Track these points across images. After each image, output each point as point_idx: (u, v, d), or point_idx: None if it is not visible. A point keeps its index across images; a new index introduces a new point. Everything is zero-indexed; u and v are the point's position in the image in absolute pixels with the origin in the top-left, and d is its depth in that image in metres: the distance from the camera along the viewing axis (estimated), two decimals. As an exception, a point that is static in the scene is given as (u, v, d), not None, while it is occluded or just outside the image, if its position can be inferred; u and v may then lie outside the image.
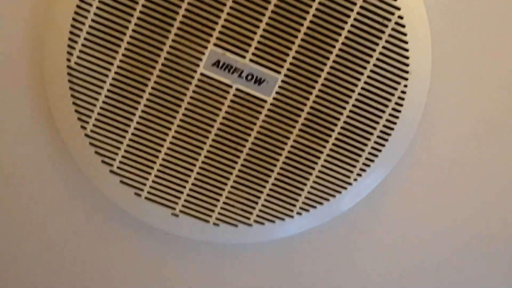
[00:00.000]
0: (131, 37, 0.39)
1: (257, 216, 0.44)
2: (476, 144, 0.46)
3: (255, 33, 0.39)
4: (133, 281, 0.51)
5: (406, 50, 0.40)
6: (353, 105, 0.41)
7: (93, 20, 0.39)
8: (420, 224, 0.50)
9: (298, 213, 0.43)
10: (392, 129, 0.41)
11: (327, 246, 0.49)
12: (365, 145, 0.42)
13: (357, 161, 0.42)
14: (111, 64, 0.40)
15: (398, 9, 0.39)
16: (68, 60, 0.40)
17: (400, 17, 0.39)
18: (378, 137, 0.42)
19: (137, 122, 0.41)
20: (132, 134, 0.41)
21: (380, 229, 0.49)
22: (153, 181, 0.42)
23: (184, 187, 0.43)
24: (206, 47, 0.40)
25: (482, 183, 0.48)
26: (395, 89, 0.41)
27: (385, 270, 0.51)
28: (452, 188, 0.48)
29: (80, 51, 0.40)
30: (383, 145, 0.42)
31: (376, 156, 0.42)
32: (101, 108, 0.41)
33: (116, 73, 0.40)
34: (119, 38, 0.39)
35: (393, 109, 0.41)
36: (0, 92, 0.44)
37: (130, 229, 0.47)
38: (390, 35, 0.40)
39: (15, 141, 0.45)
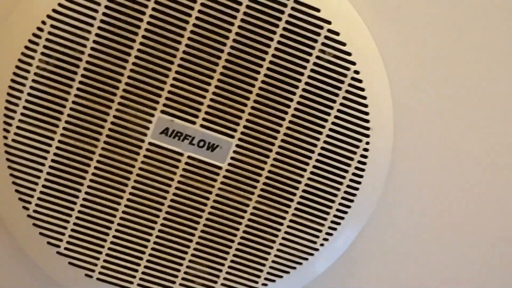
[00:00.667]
0: (71, 109, 0.37)
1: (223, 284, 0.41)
2: (445, 193, 0.44)
3: (204, 97, 0.37)
4: None
5: (365, 105, 0.38)
6: (314, 166, 0.38)
7: (29, 94, 0.36)
8: (397, 272, 0.48)
9: (264, 284, 0.40)
10: (357, 188, 0.39)
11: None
12: (330, 207, 0.39)
13: (322, 224, 0.39)
14: (51, 139, 0.37)
15: (354, 63, 0.37)
16: (5, 137, 0.37)
17: (356, 72, 0.38)
18: (343, 198, 0.39)
19: (84, 199, 0.38)
20: (79, 211, 0.38)
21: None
22: (105, 260, 0.39)
23: (139, 264, 0.39)
24: (152, 115, 0.37)
25: (453, 234, 0.45)
26: (357, 147, 0.38)
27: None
28: (425, 238, 0.46)
29: (17, 127, 0.37)
30: (349, 206, 0.39)
31: (342, 218, 0.39)
32: (43, 186, 0.38)
33: (57, 148, 0.37)
34: (59, 111, 0.37)
35: (356, 167, 0.39)
36: None
37: None
38: (347, 91, 0.38)
39: None
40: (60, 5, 0.35)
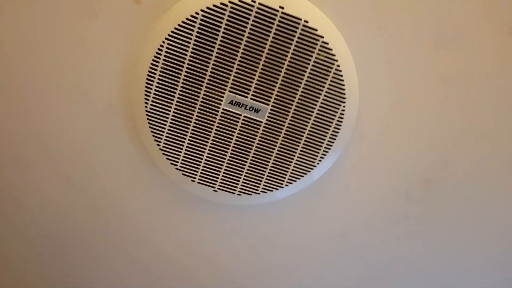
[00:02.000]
0: (181, 88, 0.67)
1: (262, 188, 0.73)
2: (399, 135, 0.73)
3: (252, 82, 0.67)
4: (186, 232, 0.83)
5: (343, 84, 0.66)
6: (314, 120, 0.68)
7: (158, 81, 0.67)
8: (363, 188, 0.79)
9: (286, 184, 0.73)
10: (338, 129, 0.69)
11: (305, 203, 0.79)
12: (323, 140, 0.70)
13: (318, 151, 0.70)
14: (171, 103, 0.68)
15: (336, 60, 0.65)
16: (146, 105, 0.69)
17: (338, 66, 0.66)
18: (330, 138, 0.69)
19: (189, 139, 0.70)
20: (186, 146, 0.71)
21: (337, 192, 0.78)
22: (201, 172, 0.72)
23: (219, 173, 0.72)
24: (224, 92, 0.67)
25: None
26: (338, 108, 0.68)
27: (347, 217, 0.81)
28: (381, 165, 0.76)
29: (153, 98, 0.68)
30: (332, 142, 0.70)
31: (329, 148, 0.70)
32: (168, 129, 0.70)
33: (174, 111, 0.69)
34: (174, 90, 0.68)
35: (338, 120, 0.68)
36: (109, 125, 0.74)
37: (186, 202, 0.79)
38: (333, 77, 0.66)
39: (114, 156, 0.77)
40: (169, 34, 0.64)
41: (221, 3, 0.62)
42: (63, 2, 0.67)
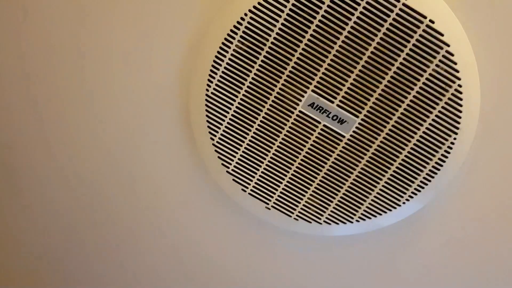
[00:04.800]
0: (254, 75, 0.54)
1: (326, 217, 0.59)
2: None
3: (344, 85, 0.53)
4: (229, 250, 0.70)
5: (460, 111, 0.51)
6: (411, 148, 0.54)
7: (229, 61, 0.54)
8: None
9: (357, 220, 0.58)
10: (438, 170, 0.54)
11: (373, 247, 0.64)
12: (417, 175, 0.55)
13: (408, 187, 0.55)
14: (236, 96, 0.56)
15: (459, 79, 0.51)
16: (207, 90, 0.56)
17: (460, 86, 0.51)
18: (427, 174, 0.54)
19: (249, 140, 0.57)
20: (245, 148, 0.58)
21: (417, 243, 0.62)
22: (256, 182, 0.59)
23: (277, 190, 0.59)
24: (306, 91, 0.54)
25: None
26: (446, 140, 0.53)
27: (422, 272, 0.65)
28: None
29: (216, 84, 0.56)
30: (429, 180, 0.55)
31: (419, 191, 0.55)
32: (225, 127, 0.57)
33: (239, 103, 0.56)
34: (244, 78, 0.55)
35: (442, 155, 0.53)
36: (158, 114, 0.63)
37: (236, 216, 0.65)
38: (449, 98, 0.51)
39: (163, 148, 0.65)
40: (255, 6, 0.52)
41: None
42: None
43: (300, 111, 0.55)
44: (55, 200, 0.77)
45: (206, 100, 0.57)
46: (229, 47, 0.54)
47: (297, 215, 0.60)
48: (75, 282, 0.86)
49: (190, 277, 0.76)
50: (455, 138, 0.53)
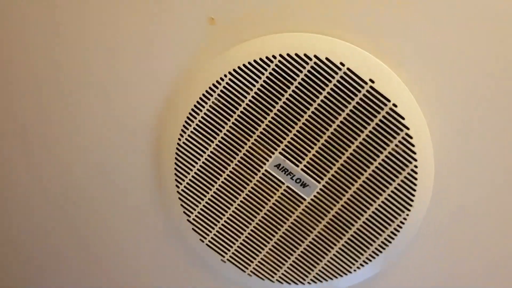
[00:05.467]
0: (227, 131, 0.57)
1: (279, 276, 0.60)
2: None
3: (309, 152, 0.56)
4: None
5: (414, 189, 0.55)
6: (366, 219, 0.56)
7: (204, 115, 0.57)
8: None
9: (308, 283, 0.59)
10: (393, 238, 0.57)
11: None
12: (368, 246, 0.57)
13: (361, 255, 0.58)
14: (207, 149, 0.58)
15: (415, 160, 0.54)
16: (179, 139, 0.58)
17: (416, 166, 0.55)
18: (377, 246, 0.57)
19: (214, 192, 0.59)
20: (208, 199, 0.60)
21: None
22: (214, 234, 0.60)
23: (234, 244, 0.60)
24: (274, 153, 0.57)
25: None
26: (399, 215, 0.56)
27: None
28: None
29: (191, 131, 0.58)
30: (379, 252, 0.57)
31: (372, 258, 0.57)
32: (192, 177, 0.59)
33: (208, 155, 0.58)
34: (217, 133, 0.57)
35: (394, 228, 0.56)
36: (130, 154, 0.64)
37: (192, 266, 0.66)
38: (405, 177, 0.55)
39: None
40: (234, 70, 0.55)
41: (305, 55, 0.53)
42: (130, 5, 0.59)
43: (266, 171, 0.57)
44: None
45: (177, 149, 0.59)
46: (209, 99, 0.57)
47: (251, 271, 0.61)
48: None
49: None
50: (407, 215, 0.56)
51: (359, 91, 0.53)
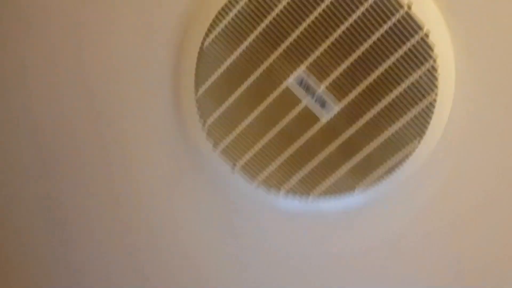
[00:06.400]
0: (253, 39, 0.55)
1: (286, 191, 0.62)
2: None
3: (335, 69, 0.55)
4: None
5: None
6: (377, 147, 0.57)
7: (231, 19, 0.55)
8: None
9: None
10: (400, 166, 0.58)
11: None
12: (375, 171, 0.59)
13: (367, 177, 0.59)
14: (232, 51, 0.56)
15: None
16: (204, 39, 0.56)
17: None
18: (388, 170, 0.59)
19: (234, 100, 0.58)
20: (227, 107, 0.59)
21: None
22: (228, 142, 0.61)
23: (243, 154, 0.61)
24: (299, 66, 0.56)
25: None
26: (415, 139, 0.57)
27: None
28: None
29: (215, 36, 0.56)
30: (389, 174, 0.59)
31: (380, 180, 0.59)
32: (212, 83, 0.58)
33: (234, 60, 0.57)
34: (243, 36, 0.55)
35: (407, 154, 0.58)
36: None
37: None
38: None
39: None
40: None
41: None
42: None
43: (287, 87, 0.57)
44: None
45: (199, 53, 0.57)
46: (234, 6, 0.55)
47: (259, 183, 0.62)
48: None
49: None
50: (419, 141, 0.57)
51: (393, 14, 0.52)
